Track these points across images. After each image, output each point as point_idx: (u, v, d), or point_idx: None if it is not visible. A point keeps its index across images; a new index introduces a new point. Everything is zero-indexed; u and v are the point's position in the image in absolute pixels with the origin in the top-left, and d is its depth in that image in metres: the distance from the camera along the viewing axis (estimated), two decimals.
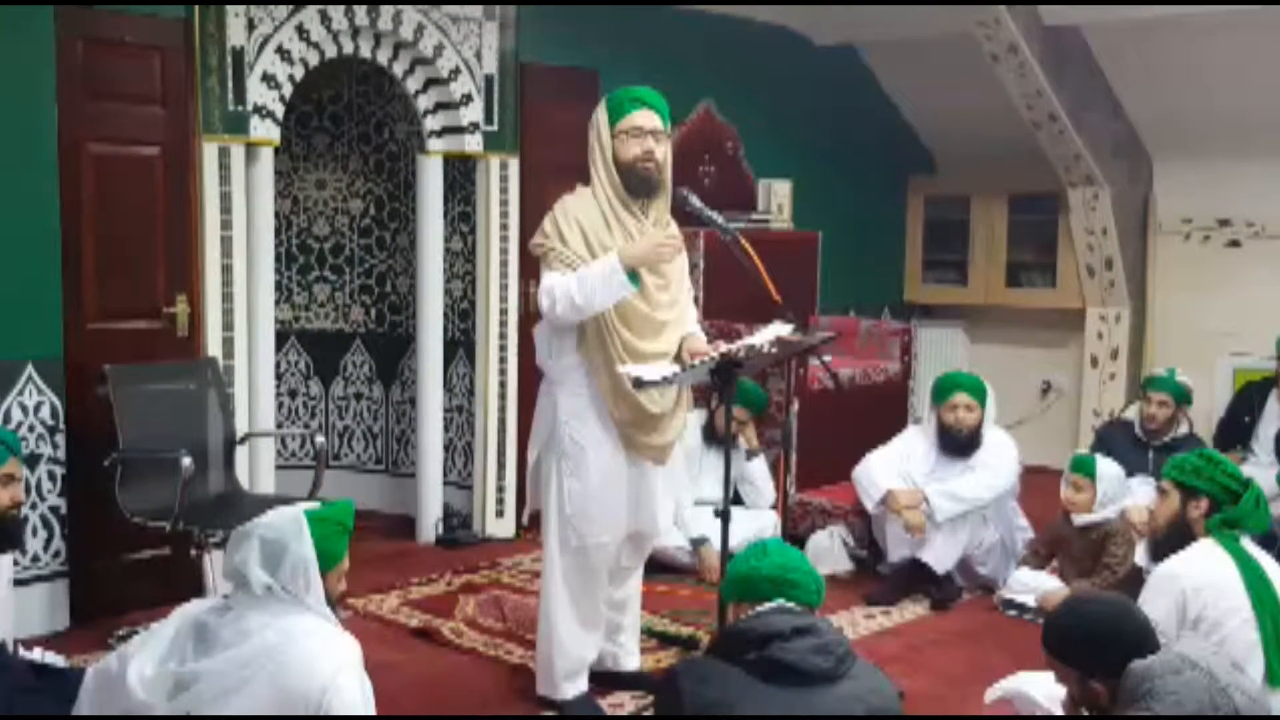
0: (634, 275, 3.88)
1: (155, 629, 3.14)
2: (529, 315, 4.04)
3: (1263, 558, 3.56)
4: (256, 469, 5.49)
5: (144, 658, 3.05)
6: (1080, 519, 5.40)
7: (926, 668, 4.79)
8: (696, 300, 4.89)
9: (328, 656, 2.91)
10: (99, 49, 4.96)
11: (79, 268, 4.97)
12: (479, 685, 4.55)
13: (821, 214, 7.64)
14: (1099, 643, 2.72)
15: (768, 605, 2.87)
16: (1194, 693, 2.50)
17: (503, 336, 6.31)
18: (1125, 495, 5.51)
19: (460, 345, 6.46)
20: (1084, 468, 5.42)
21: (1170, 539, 3.73)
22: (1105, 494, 5.38)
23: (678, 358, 4.09)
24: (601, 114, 4.07)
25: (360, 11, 5.66)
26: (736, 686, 2.72)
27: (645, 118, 4.03)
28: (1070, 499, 5.43)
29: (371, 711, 2.95)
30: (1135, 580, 5.10)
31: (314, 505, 3.18)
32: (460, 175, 6.33)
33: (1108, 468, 5.45)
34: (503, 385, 6.34)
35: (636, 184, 4.03)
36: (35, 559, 4.91)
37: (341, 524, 3.12)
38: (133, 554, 5.08)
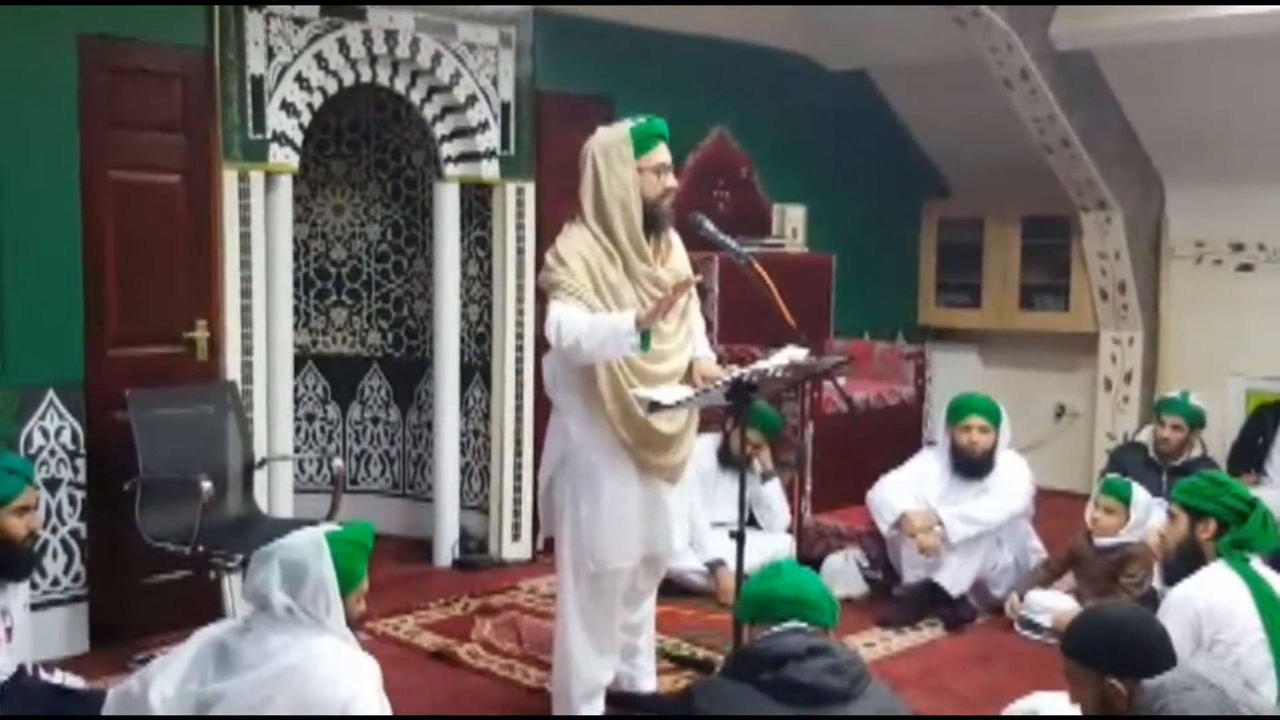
0: (645, 336, 3.81)
1: (176, 651, 3.17)
2: (544, 340, 4.06)
3: (1274, 579, 3.58)
4: (275, 492, 5.53)
5: (165, 679, 3.08)
6: (1103, 540, 5.43)
7: (942, 690, 4.80)
8: (710, 324, 4.93)
9: (348, 677, 2.95)
10: (121, 78, 5.02)
11: (100, 294, 5.03)
12: (496, 708, 4.57)
13: (835, 238, 7.67)
14: (1119, 640, 2.75)
15: (783, 626, 2.89)
16: (1206, 710, 2.52)
17: (519, 361, 6.35)
18: (1149, 521, 5.52)
19: (477, 369, 6.50)
20: (1118, 492, 5.45)
21: (1181, 562, 3.75)
22: (1137, 520, 5.40)
23: (688, 379, 4.12)
24: (625, 148, 4.01)
25: (378, 39, 5.72)
26: (752, 706, 2.74)
27: (665, 153, 4.07)
28: (1098, 520, 5.44)
29: None
30: (1149, 603, 5.12)
31: (334, 527, 3.22)
32: (477, 201, 6.38)
33: (1141, 494, 5.48)
34: (519, 409, 6.38)
35: (659, 220, 4.05)
36: (55, 582, 4.95)
37: (361, 545, 3.16)
38: (152, 577, 5.11)
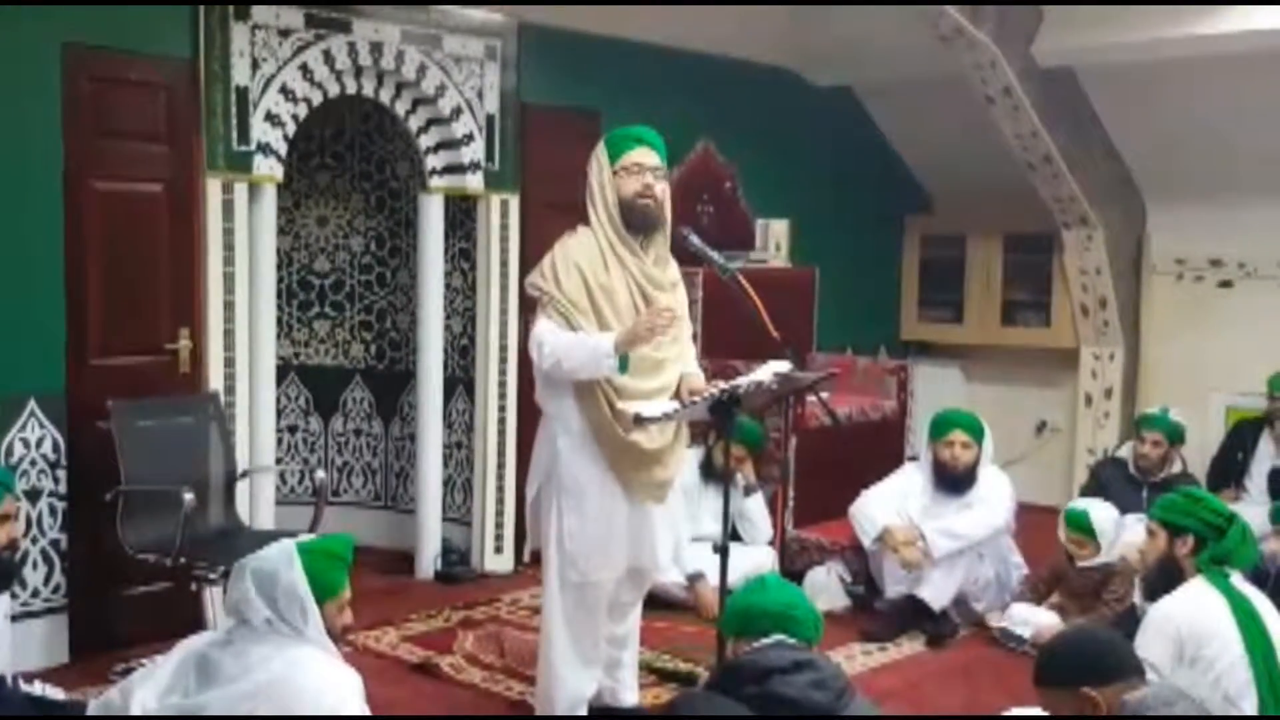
0: (624, 359, 3.91)
1: (158, 662, 3.17)
2: (528, 352, 4.09)
3: (1253, 595, 3.59)
4: (257, 504, 5.51)
5: (146, 691, 3.08)
6: (1085, 562, 5.45)
7: (923, 704, 4.81)
8: (695, 338, 4.94)
9: (330, 688, 2.94)
10: (105, 87, 5.01)
11: (83, 303, 5.01)
12: None
13: (819, 252, 7.69)
14: (1074, 649, 2.77)
15: (767, 640, 2.90)
16: None
17: (502, 373, 6.35)
18: (1123, 531, 5.52)
19: (460, 381, 6.50)
20: (1079, 525, 5.44)
21: (1161, 578, 3.76)
22: (1109, 542, 5.42)
23: (677, 394, 4.13)
24: (601, 154, 4.12)
25: (364, 51, 5.72)
26: None
27: (644, 155, 4.09)
28: (1073, 552, 5.47)
29: None
30: (1131, 619, 5.14)
31: (309, 537, 3.21)
32: (461, 213, 6.38)
33: (1102, 518, 5.46)
34: (502, 421, 6.37)
35: (637, 220, 4.07)
36: (35, 593, 4.93)
37: (336, 555, 3.14)
38: (133, 589, 5.09)
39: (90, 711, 3.29)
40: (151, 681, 3.10)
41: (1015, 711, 3.68)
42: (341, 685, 2.98)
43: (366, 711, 3.01)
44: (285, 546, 3.10)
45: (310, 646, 3.02)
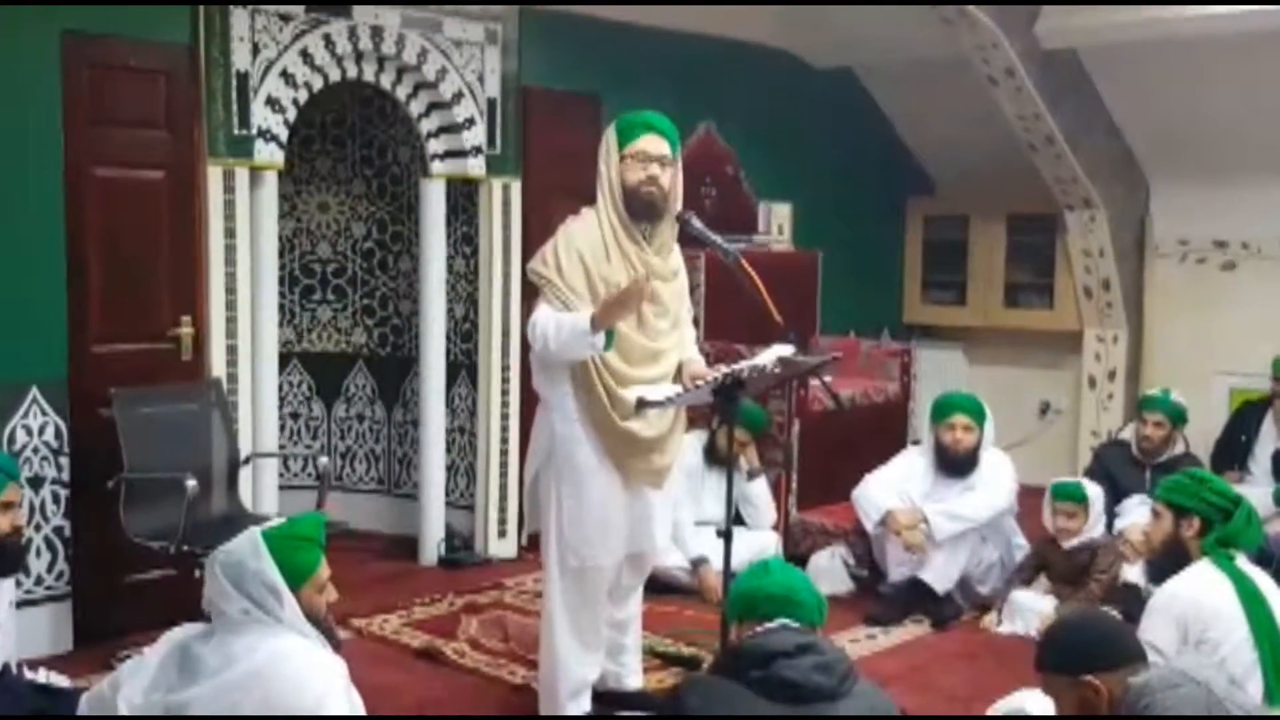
0: (609, 333, 3.87)
1: (144, 656, 3.14)
2: (528, 338, 4.07)
3: (1259, 576, 3.59)
4: (260, 490, 5.51)
5: (133, 686, 3.05)
6: (1070, 542, 5.45)
7: (928, 687, 4.81)
8: (697, 322, 4.93)
9: (315, 677, 2.92)
10: (105, 74, 4.99)
11: (84, 291, 5.00)
12: (482, 706, 4.56)
13: (821, 235, 7.68)
14: (1088, 641, 2.76)
15: (771, 624, 2.90)
16: (1192, 707, 2.52)
17: (505, 358, 6.34)
18: (1103, 512, 5.55)
19: (462, 367, 6.49)
20: (1074, 495, 5.46)
21: (1167, 560, 3.76)
22: (1097, 514, 5.45)
23: (677, 381, 4.11)
24: (611, 137, 4.08)
25: (364, 35, 5.71)
26: (740, 704, 2.74)
27: (652, 143, 4.05)
28: (1063, 527, 5.47)
29: None
30: (1130, 595, 5.16)
31: (274, 523, 3.19)
32: (463, 198, 6.37)
33: (1094, 489, 5.53)
34: (505, 406, 6.37)
35: (639, 208, 4.04)
36: (39, 580, 4.93)
37: (304, 536, 3.10)
38: (136, 575, 5.09)
39: (82, 703, 3.27)
40: (137, 677, 3.07)
41: (1015, 695, 3.68)
42: (325, 673, 2.94)
43: (354, 695, 3.00)
44: (250, 535, 3.06)
45: (291, 633, 2.99)
